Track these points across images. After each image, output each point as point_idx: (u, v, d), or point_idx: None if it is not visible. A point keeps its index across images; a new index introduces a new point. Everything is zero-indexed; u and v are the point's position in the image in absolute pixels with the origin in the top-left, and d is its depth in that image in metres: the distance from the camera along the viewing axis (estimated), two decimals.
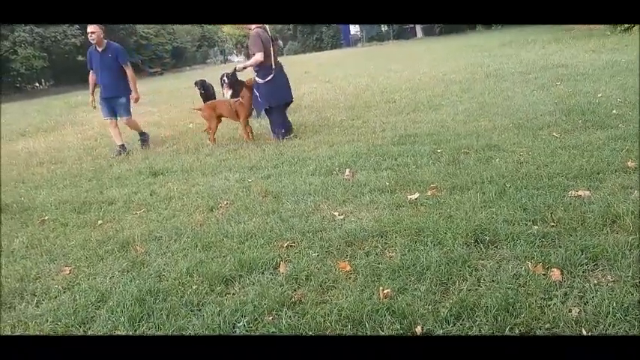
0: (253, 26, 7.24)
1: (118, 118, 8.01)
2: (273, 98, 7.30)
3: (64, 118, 14.70)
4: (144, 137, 8.40)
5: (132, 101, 7.97)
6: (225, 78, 9.64)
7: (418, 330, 2.44)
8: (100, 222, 4.71)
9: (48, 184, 6.48)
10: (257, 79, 7.33)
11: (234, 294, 3.07)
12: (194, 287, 3.16)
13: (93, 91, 8.07)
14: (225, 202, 4.77)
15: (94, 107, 8.13)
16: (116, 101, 7.86)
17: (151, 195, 5.37)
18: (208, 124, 7.93)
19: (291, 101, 7.83)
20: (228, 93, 9.55)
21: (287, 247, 3.61)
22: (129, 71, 7.87)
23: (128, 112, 8.00)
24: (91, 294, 3.25)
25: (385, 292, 2.82)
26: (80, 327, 2.90)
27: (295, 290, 3.01)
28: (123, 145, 8.11)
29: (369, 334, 2.47)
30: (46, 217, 5.02)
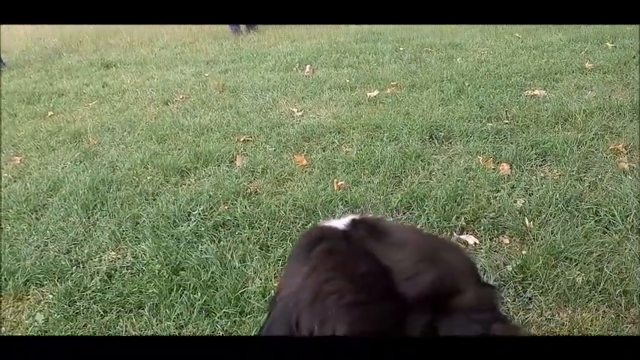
0: None
1: None
2: None
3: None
4: None
5: None
6: None
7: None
8: (50, 113, 4.55)
9: None
10: None
11: (189, 185, 3.06)
12: (148, 178, 3.14)
13: None
14: (180, 96, 4.64)
15: None
16: None
17: (103, 87, 5.18)
18: None
19: None
20: None
21: (244, 141, 3.58)
22: None
23: None
24: (42, 182, 3.19)
25: (339, 184, 2.86)
26: (32, 214, 2.87)
27: (251, 182, 3.02)
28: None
29: (321, 221, 2.52)
30: None
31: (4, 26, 9.73)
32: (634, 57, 4.35)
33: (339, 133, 3.56)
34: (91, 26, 8.85)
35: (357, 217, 0.78)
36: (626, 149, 2.90)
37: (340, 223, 0.76)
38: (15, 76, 5.99)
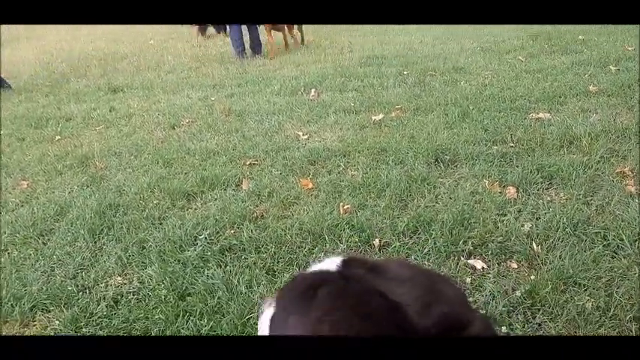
0: None
1: None
2: None
3: (18, 31, 13.92)
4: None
5: None
6: None
7: (376, 242, 2.50)
8: (57, 137, 4.58)
9: (2, 98, 6.22)
10: None
11: (195, 209, 3.06)
12: (155, 202, 3.14)
13: None
14: (187, 120, 4.68)
15: None
16: None
17: (110, 111, 5.22)
18: None
19: None
20: None
21: (250, 165, 3.59)
22: None
23: None
24: (49, 207, 3.20)
25: (345, 207, 2.86)
26: (39, 239, 2.87)
27: (257, 206, 3.02)
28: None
29: (327, 246, 2.52)
30: (2, 132, 4.85)
31: (12, 51, 9.86)
32: (638, 80, 4.37)
33: (344, 156, 3.58)
34: (99, 51, 8.98)
35: (343, 257, 0.77)
36: (632, 172, 2.90)
37: (331, 264, 0.75)
38: (23, 100, 6.05)
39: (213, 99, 5.30)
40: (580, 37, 6.24)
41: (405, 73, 5.52)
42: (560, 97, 4.24)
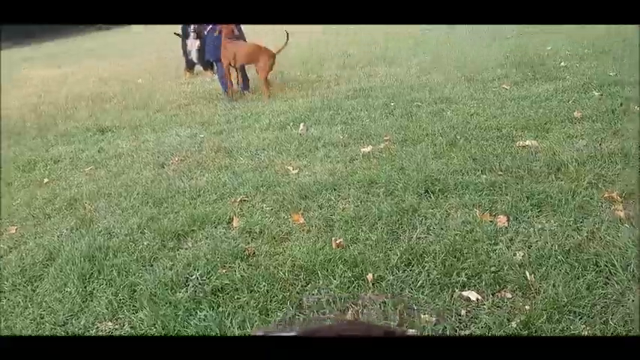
0: None
1: None
2: (217, 51, 7.02)
3: (4, 74, 13.97)
4: None
5: None
6: (192, 28, 8.94)
7: (369, 277, 2.48)
8: (46, 180, 4.56)
9: None
10: (205, 31, 7.18)
11: (186, 249, 3.04)
12: (145, 243, 3.12)
13: None
14: (176, 159, 4.68)
15: None
16: None
17: (98, 152, 5.21)
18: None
19: None
20: (195, 44, 9.02)
21: (240, 201, 3.58)
22: None
23: None
24: (38, 252, 3.17)
25: (338, 242, 2.85)
26: (28, 285, 2.83)
27: (248, 243, 3.00)
28: None
29: (321, 282, 2.50)
30: None
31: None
32: (621, 105, 4.44)
33: (335, 189, 3.58)
34: (87, 91, 9.00)
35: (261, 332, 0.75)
36: (620, 197, 2.93)
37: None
38: (11, 144, 6.03)
39: (202, 136, 5.31)
40: (562, 63, 6.36)
41: (392, 104, 5.57)
42: (545, 124, 4.29)
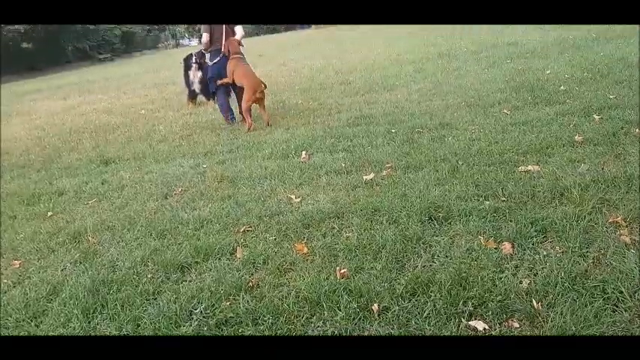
0: None
1: None
2: (220, 81, 7.15)
3: (10, 107, 14.12)
4: None
5: None
6: (194, 59, 9.02)
7: (375, 308, 2.46)
8: (50, 213, 4.57)
9: None
10: (207, 61, 7.29)
11: (190, 281, 3.03)
12: (149, 276, 3.11)
13: None
14: (179, 189, 4.69)
15: None
16: None
17: (102, 184, 5.23)
18: None
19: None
20: (197, 75, 9.12)
21: (244, 231, 3.58)
22: None
23: None
24: (42, 287, 3.15)
25: (342, 272, 2.83)
26: (32, 321, 2.81)
27: (252, 275, 2.99)
28: None
29: (326, 314, 2.48)
30: None
31: (4, 127, 9.96)
32: (621, 128, 4.45)
33: (338, 218, 3.58)
34: (91, 123, 9.09)
35: None
36: (625, 222, 2.91)
37: None
38: (15, 177, 6.07)
39: (205, 166, 5.33)
40: (562, 87, 6.40)
41: (393, 131, 5.60)
42: (547, 148, 4.30)
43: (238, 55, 6.92)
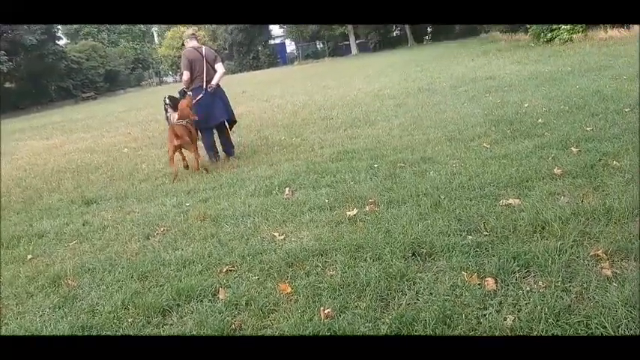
0: (186, 45, 7.24)
1: None
2: (202, 119, 7.10)
3: None
4: None
5: None
6: (167, 100, 8.70)
7: None
8: (29, 256, 4.48)
9: None
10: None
11: (172, 324, 2.97)
12: (130, 320, 3.05)
13: None
14: (161, 229, 4.64)
15: None
16: None
17: (83, 225, 5.16)
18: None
19: (226, 121, 7.48)
20: (174, 116, 8.91)
21: (226, 271, 3.54)
22: None
23: None
24: (19, 334, 3.07)
25: (326, 312, 2.80)
26: None
27: (235, 317, 2.95)
28: None
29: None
30: None
31: None
32: (599, 160, 4.53)
33: (321, 255, 3.56)
34: (73, 162, 9.02)
35: None
36: (606, 254, 2.93)
37: None
38: None
39: (187, 205, 5.30)
40: (540, 120, 6.51)
41: (376, 165, 5.64)
42: (527, 181, 4.35)
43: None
